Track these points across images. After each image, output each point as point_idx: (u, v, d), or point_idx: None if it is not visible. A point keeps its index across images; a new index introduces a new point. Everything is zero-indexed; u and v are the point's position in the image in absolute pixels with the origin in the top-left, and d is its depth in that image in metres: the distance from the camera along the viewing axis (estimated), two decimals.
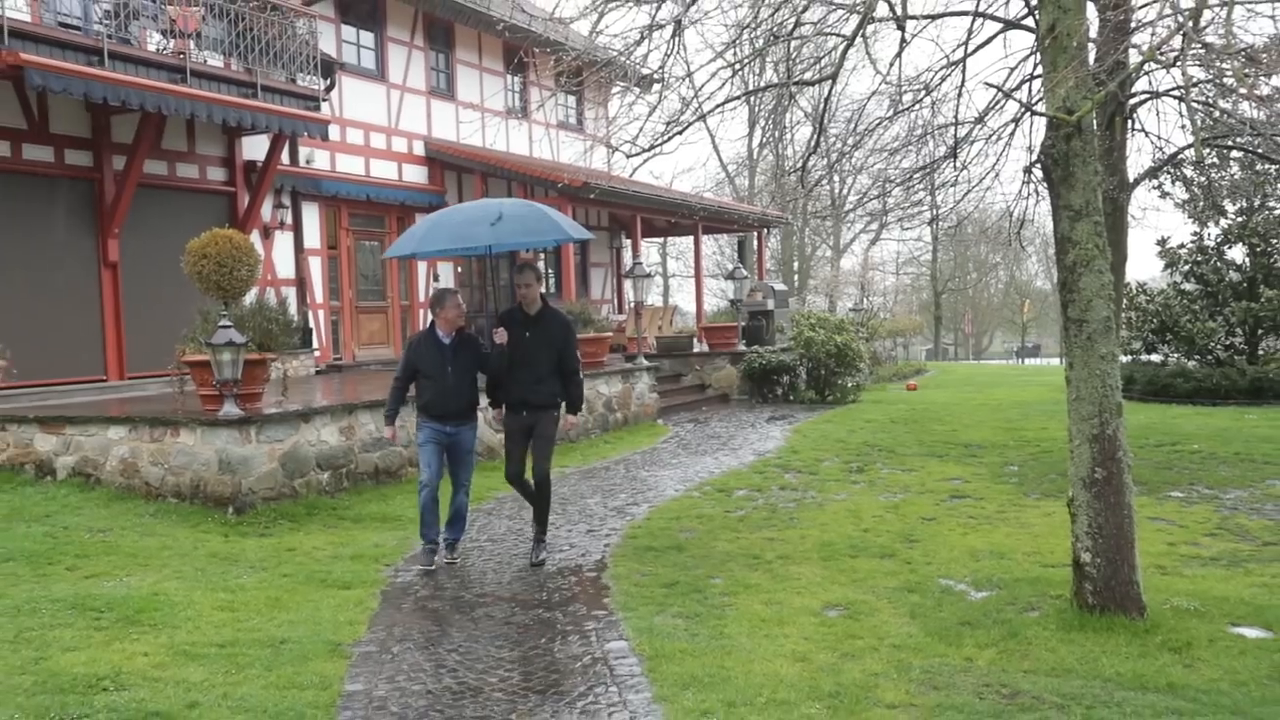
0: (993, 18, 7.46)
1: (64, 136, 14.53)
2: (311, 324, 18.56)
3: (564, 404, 8.13)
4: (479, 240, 7.91)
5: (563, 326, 8.08)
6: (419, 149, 21.36)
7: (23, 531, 8.66)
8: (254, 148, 17.32)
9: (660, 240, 40.59)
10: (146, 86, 13.45)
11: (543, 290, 8.15)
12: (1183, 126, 12.45)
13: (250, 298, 11.18)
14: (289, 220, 18.37)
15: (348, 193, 19.38)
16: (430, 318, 8.54)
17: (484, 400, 8.28)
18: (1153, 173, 14.33)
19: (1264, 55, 8.70)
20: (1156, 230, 27.45)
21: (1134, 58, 7.18)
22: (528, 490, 8.20)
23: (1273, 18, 12.16)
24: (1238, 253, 20.70)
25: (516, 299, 8.01)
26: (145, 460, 10.05)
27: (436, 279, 21.67)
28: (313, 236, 18.92)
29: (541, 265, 25.04)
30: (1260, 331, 20.18)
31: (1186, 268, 21.08)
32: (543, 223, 8.29)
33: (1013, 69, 7.83)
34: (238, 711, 4.99)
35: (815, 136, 9.42)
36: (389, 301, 20.78)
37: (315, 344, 18.46)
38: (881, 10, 6.79)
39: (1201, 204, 20.29)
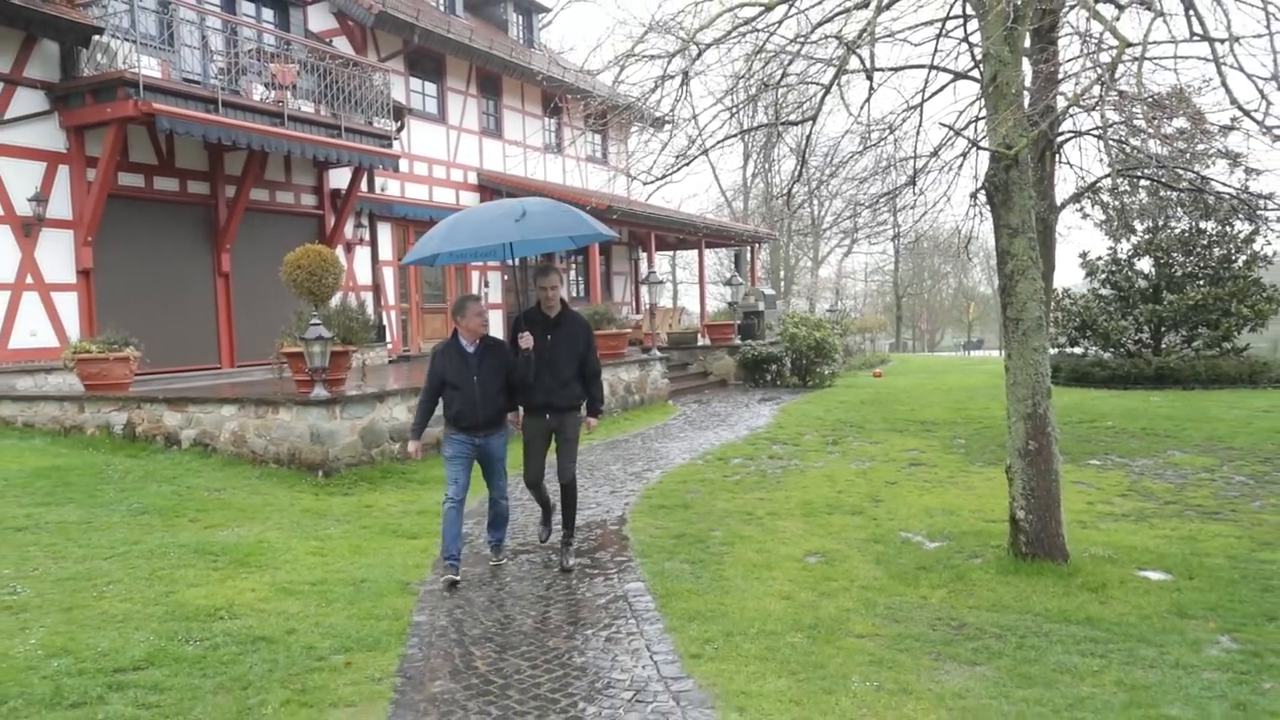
0: (945, 70, 7.42)
1: (186, 170, 14.65)
2: (385, 322, 18.66)
3: (585, 405, 6.67)
4: (503, 236, 6.21)
5: (584, 328, 6.48)
6: (473, 179, 21.38)
7: (155, 490, 8.73)
8: (338, 178, 17.41)
9: (671, 252, 40.50)
10: (252, 129, 13.53)
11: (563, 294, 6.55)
12: (1101, 160, 12.37)
13: (335, 300, 11.24)
14: (367, 237, 18.45)
15: (414, 215, 19.42)
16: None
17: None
18: (1076, 198, 14.23)
19: (1167, 102, 8.65)
20: (1079, 245, 27.48)
21: (1061, 103, 7.13)
22: (545, 497, 6.76)
23: (1174, 71, 12.04)
24: (1145, 264, 20.64)
25: (536, 300, 6.43)
26: (251, 433, 10.11)
27: (487, 285, 21.67)
28: (386, 250, 18.99)
29: (573, 273, 25.21)
30: (1163, 329, 20.13)
31: (1103, 276, 21.01)
32: (568, 219, 6.69)
33: (961, 112, 7.78)
34: (327, 637, 5.04)
35: (798, 167, 9.39)
36: (447, 303, 20.82)
37: (388, 338, 18.57)
38: (853, 64, 6.75)
39: (1115, 224, 20.30)
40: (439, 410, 6.39)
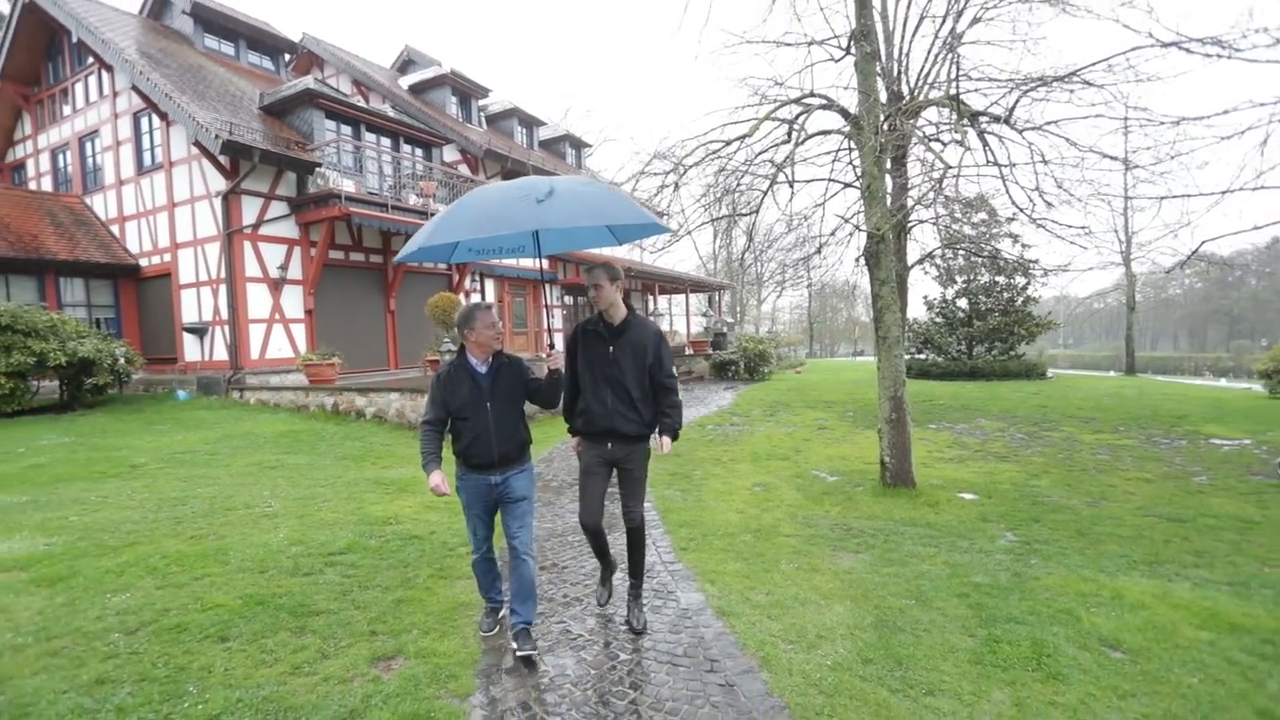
0: (838, 181, 7.42)
1: (369, 248, 14.72)
2: None
3: (659, 429, 3.55)
4: (516, 225, 2.90)
5: (653, 335, 3.58)
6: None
7: (351, 445, 8.82)
8: None
9: (668, 296, 40.53)
10: (408, 222, 13.60)
11: (624, 294, 3.61)
12: (935, 237, 12.34)
13: None
14: (479, 287, 18.49)
15: (507, 274, 19.42)
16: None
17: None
18: (920, 261, 14.16)
19: (974, 202, 8.61)
20: (922, 290, 27.34)
21: (909, 202, 7.12)
22: (604, 545, 3.74)
23: (978, 183, 11.96)
24: (963, 303, 20.61)
25: (598, 310, 3.55)
26: (408, 409, 10.18)
27: (552, 317, 21.53)
28: (489, 295, 19.05)
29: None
30: (974, 343, 20.10)
31: (937, 310, 20.99)
32: (608, 202, 3.20)
33: (850, 207, 7.81)
34: (456, 536, 5.08)
35: (748, 243, 9.41)
36: (528, 328, 20.82)
37: None
38: (781, 178, 6.79)
39: (944, 278, 20.32)
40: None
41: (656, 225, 3.49)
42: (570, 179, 3.17)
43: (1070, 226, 5.88)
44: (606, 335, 3.53)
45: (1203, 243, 4.40)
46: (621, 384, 3.48)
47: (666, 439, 3.51)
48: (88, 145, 15.13)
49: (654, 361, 3.49)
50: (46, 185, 16.04)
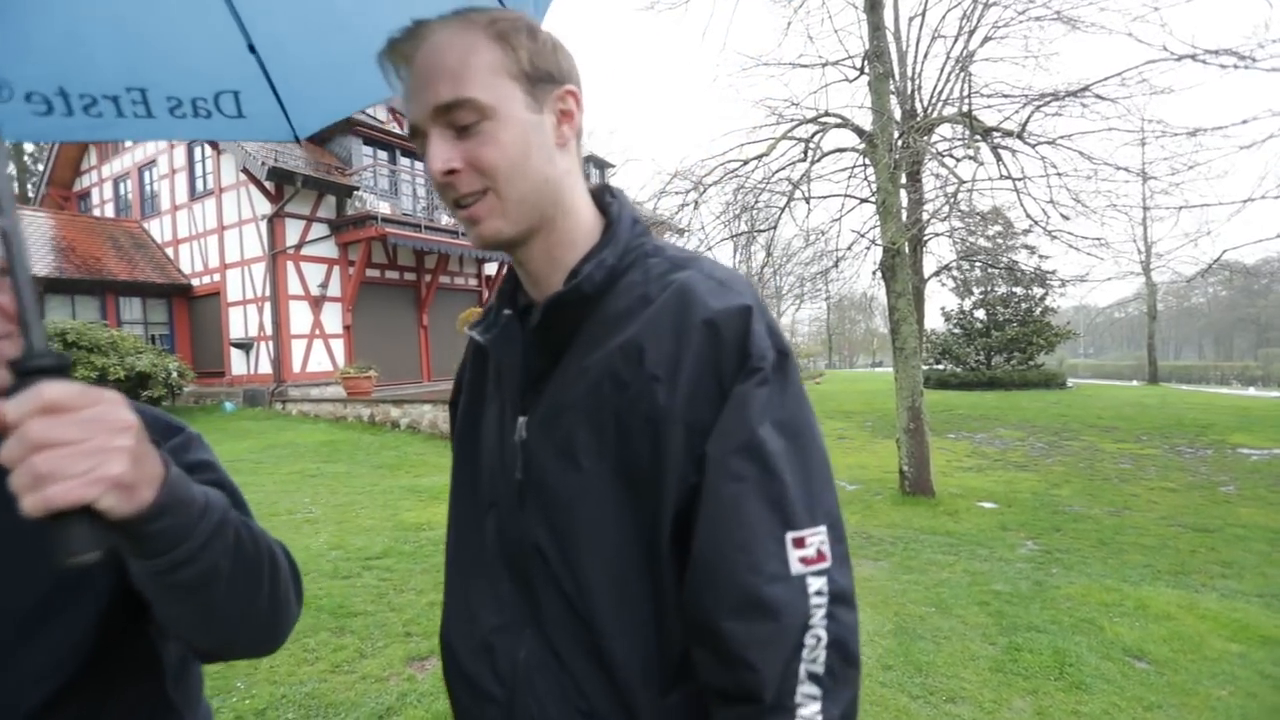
0: (854, 197, 7.39)
1: (404, 265, 14.98)
2: None
3: None
4: None
5: (733, 328, 0.47)
6: None
7: (386, 454, 8.91)
8: (490, 268, 17.64)
9: None
10: (441, 241, 13.83)
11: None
12: (951, 250, 12.17)
13: None
14: None
15: None
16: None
17: None
18: (936, 273, 13.99)
19: (989, 215, 8.51)
20: (939, 302, 26.92)
21: (925, 216, 7.05)
22: None
23: (991, 196, 11.82)
24: (981, 313, 20.28)
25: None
26: (440, 420, 10.25)
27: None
28: None
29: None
30: (992, 353, 19.74)
31: (955, 321, 20.68)
32: None
33: (865, 221, 7.75)
34: None
35: (766, 257, 9.40)
36: None
37: None
38: (798, 195, 6.78)
39: (961, 289, 20.06)
40: None
41: None
42: None
43: (1086, 238, 5.77)
44: (519, 361, 0.71)
45: (1224, 251, 4.30)
46: (553, 580, 0.64)
47: None
48: (146, 174, 15.73)
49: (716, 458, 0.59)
50: (109, 212, 16.69)
